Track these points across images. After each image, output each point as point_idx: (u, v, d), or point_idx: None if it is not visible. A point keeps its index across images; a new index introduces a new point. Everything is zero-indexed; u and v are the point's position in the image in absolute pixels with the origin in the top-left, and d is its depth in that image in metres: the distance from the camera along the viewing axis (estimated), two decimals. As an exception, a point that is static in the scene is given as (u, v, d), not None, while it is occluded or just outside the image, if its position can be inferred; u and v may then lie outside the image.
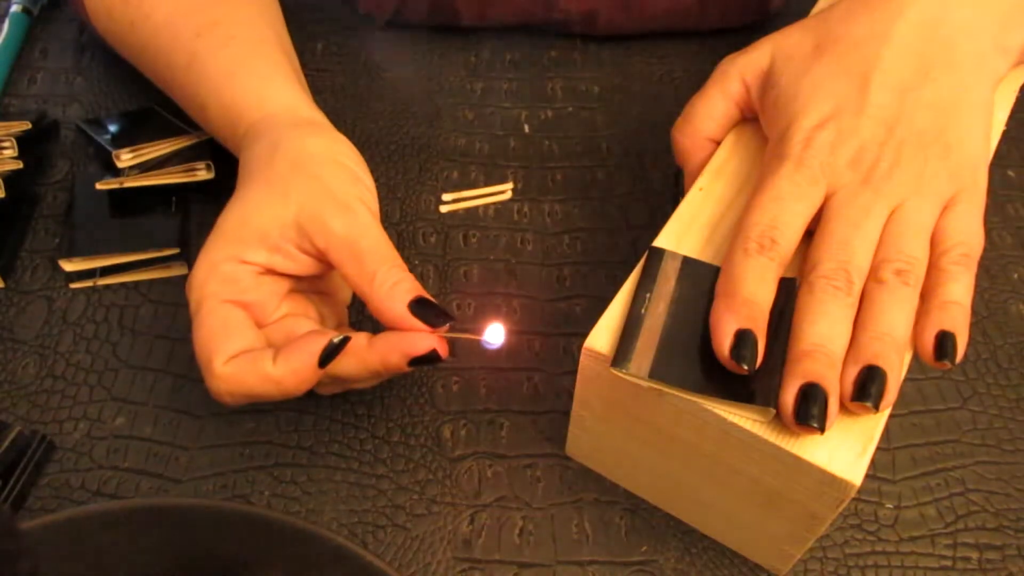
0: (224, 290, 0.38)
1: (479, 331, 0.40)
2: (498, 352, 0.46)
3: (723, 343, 0.33)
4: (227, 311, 0.38)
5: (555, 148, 0.55)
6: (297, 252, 0.39)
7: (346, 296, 0.45)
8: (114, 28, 0.50)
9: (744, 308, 0.34)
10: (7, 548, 0.24)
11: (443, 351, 0.38)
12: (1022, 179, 0.55)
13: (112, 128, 0.53)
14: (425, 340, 0.37)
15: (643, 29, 0.60)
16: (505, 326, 0.40)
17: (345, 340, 0.37)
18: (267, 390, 0.37)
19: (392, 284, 0.38)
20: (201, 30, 0.46)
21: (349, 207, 0.39)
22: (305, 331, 0.39)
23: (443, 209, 0.52)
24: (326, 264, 0.40)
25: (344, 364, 0.38)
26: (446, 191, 0.53)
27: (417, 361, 0.38)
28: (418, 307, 0.38)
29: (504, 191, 0.53)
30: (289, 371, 0.36)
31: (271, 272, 0.40)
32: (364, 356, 0.38)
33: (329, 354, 0.37)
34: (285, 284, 0.41)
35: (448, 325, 0.38)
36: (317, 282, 0.43)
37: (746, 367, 0.33)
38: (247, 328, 0.38)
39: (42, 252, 0.50)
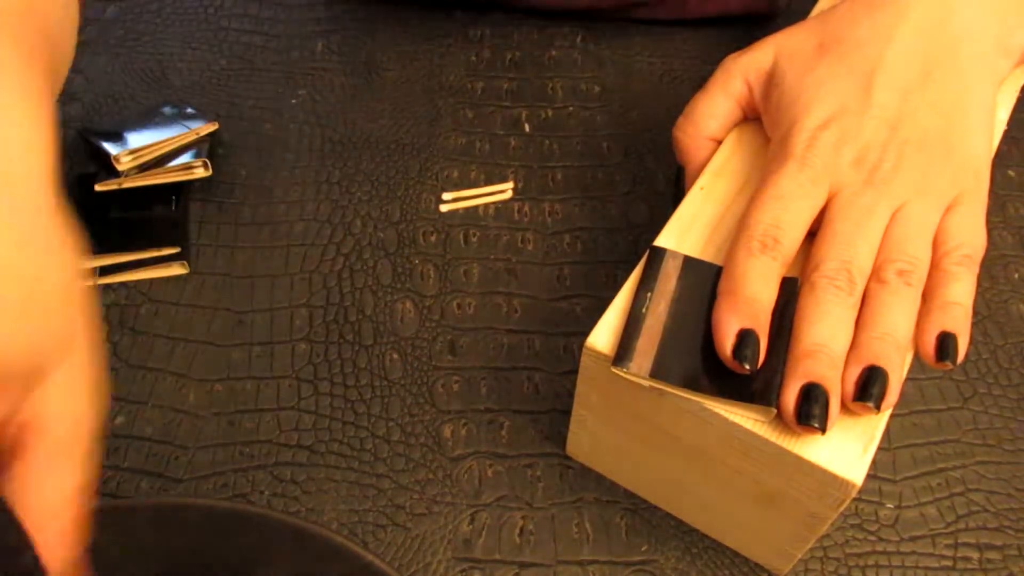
0: None
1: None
2: (498, 352, 0.46)
3: (725, 342, 0.33)
4: None
5: (555, 148, 0.55)
6: None
7: None
8: None
9: (747, 307, 0.34)
10: (10, 542, 0.24)
11: None
12: (1022, 179, 0.55)
13: (111, 130, 0.53)
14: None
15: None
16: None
17: None
18: None
19: None
20: None
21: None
22: None
23: (443, 208, 0.52)
24: None
25: None
26: (446, 190, 0.53)
27: None
28: None
29: (504, 191, 0.53)
30: None
31: None
32: None
33: None
34: None
35: None
36: None
37: (748, 367, 0.33)
38: None
39: (42, 251, 0.50)
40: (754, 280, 0.34)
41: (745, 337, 0.33)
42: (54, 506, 0.24)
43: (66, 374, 0.24)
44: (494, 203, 0.53)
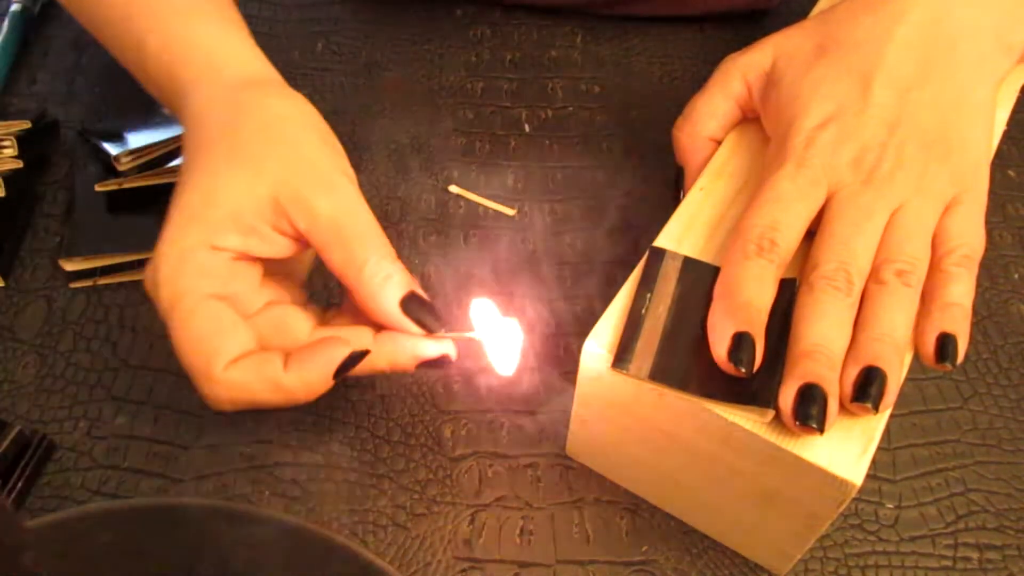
0: (202, 284, 0.34)
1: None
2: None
3: (721, 346, 0.33)
4: (214, 308, 0.34)
5: (555, 148, 0.55)
6: (274, 233, 0.35)
7: (303, 275, 0.41)
8: None
9: (742, 311, 0.34)
10: (10, 542, 0.24)
11: (453, 355, 0.37)
12: (1022, 179, 0.55)
13: (111, 129, 0.53)
14: (436, 346, 0.36)
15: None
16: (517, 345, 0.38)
17: (365, 352, 0.35)
18: (274, 398, 0.35)
19: (383, 277, 0.35)
20: None
21: (333, 183, 0.36)
22: (311, 332, 0.37)
23: (452, 189, 0.52)
24: (304, 245, 0.37)
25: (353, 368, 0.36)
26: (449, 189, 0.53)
27: (426, 365, 0.36)
28: (410, 306, 0.35)
29: (510, 214, 0.52)
30: (301, 381, 0.34)
31: (245, 257, 0.36)
32: (371, 359, 0.36)
33: (347, 365, 0.35)
34: (259, 269, 0.37)
35: (442, 329, 0.37)
36: (274, 263, 0.38)
37: (743, 370, 0.33)
38: (239, 326, 0.35)
39: (42, 251, 0.50)
40: (750, 283, 0.34)
41: (740, 341, 0.33)
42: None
43: None
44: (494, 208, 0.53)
